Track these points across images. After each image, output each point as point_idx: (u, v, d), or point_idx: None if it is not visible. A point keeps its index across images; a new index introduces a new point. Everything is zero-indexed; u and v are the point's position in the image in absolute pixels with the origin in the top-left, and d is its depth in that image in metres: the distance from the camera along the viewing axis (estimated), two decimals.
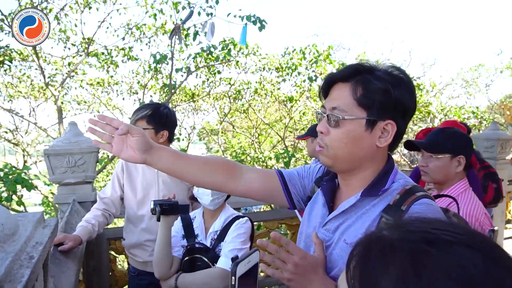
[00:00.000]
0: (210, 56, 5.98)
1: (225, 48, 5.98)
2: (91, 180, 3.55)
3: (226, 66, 7.12)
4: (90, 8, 6.20)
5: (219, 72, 7.28)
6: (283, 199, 1.39)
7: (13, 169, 5.50)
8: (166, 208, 1.84)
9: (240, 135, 11.70)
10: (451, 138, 1.91)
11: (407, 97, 1.11)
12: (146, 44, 7.73)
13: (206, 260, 1.93)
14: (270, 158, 7.20)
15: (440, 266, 0.45)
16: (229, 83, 8.14)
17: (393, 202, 1.06)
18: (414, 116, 9.03)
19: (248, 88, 8.70)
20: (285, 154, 6.45)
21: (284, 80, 7.15)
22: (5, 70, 7.17)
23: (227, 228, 1.98)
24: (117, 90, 9.24)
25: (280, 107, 9.36)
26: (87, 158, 3.49)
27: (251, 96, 9.16)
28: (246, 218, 2.07)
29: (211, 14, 5.31)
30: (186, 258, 1.96)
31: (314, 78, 6.47)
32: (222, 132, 11.86)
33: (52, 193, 7.94)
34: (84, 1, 5.66)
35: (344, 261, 0.97)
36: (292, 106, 8.19)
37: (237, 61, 6.88)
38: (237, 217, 2.04)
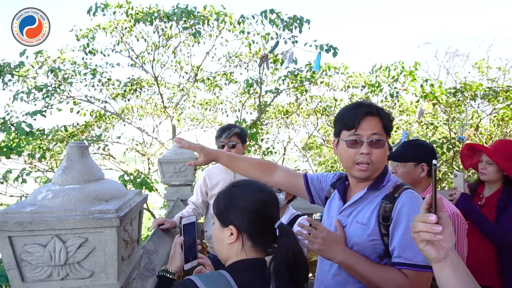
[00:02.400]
0: (296, 78, 6.64)
1: (310, 70, 6.59)
2: (191, 183, 4.52)
3: (313, 85, 7.69)
4: (198, 43, 7.50)
5: (306, 91, 7.91)
6: (305, 194, 1.98)
7: (140, 174, 6.95)
8: None
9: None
10: (414, 149, 2.23)
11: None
12: (245, 68, 8.82)
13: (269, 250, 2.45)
14: None
15: (234, 191, 1.31)
16: (320, 101, 8.66)
17: (389, 192, 1.57)
18: None
19: (339, 104, 9.07)
20: None
21: (367, 97, 7.38)
22: (136, 96, 9.02)
23: (291, 224, 2.45)
24: (221, 109, 10.60)
25: None
26: (187, 166, 4.46)
27: None
28: (305, 216, 2.58)
29: (296, 42, 6.00)
30: None
31: (395, 94, 6.60)
32: (317, 147, 12.33)
33: None
34: (195, 38, 6.92)
35: (358, 236, 1.57)
36: None
37: (322, 81, 7.41)
38: (298, 216, 2.53)
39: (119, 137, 9.79)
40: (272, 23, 5.58)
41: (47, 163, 9.14)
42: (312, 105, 9.20)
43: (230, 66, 8.55)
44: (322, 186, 1.96)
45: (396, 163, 2.26)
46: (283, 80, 7.11)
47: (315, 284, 1.79)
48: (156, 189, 8.75)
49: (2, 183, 5.85)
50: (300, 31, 5.88)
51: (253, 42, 6.77)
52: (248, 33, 6.53)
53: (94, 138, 7.40)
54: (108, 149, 8.25)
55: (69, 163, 1.37)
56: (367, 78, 7.38)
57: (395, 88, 6.61)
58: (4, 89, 6.24)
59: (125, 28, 6.86)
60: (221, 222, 1.31)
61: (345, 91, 7.96)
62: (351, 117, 1.59)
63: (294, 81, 7.00)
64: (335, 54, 4.97)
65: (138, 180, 6.68)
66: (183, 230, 1.50)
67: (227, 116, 10.70)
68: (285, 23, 5.43)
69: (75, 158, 1.38)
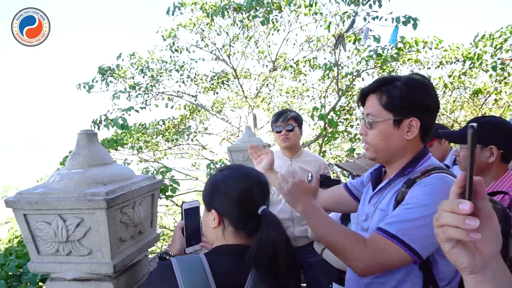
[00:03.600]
0: (379, 57, 6.09)
1: (396, 47, 5.97)
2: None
3: (402, 64, 6.95)
4: (278, 30, 7.44)
5: (394, 71, 7.19)
6: (354, 204, 1.83)
7: (224, 162, 7.32)
8: (323, 180, 2.22)
9: None
10: (480, 129, 1.75)
11: (423, 97, 1.40)
12: (329, 52, 8.45)
13: None
14: None
15: (219, 176, 1.28)
16: None
17: (413, 177, 1.37)
18: None
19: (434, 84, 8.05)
20: None
21: (464, 73, 6.32)
22: (225, 88, 9.44)
23: None
24: (308, 96, 10.39)
25: (473, 102, 8.07)
26: None
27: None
28: None
29: (376, 17, 5.50)
30: None
31: (499, 66, 5.49)
32: None
33: None
34: (273, 25, 6.88)
35: (378, 224, 1.43)
36: (486, 100, 7.05)
37: (409, 59, 6.62)
38: None
39: (206, 129, 10.39)
40: (344, 0, 5.21)
41: (153, 154, 10.26)
42: None
43: (312, 51, 8.30)
44: (362, 180, 1.82)
45: (461, 145, 1.90)
46: (366, 61, 6.60)
47: None
48: None
49: None
50: (380, 5, 5.36)
51: (331, 24, 6.43)
52: (321, 14, 6.22)
53: (185, 130, 7.99)
54: (197, 139, 8.83)
55: (76, 150, 1.48)
56: (467, 50, 6.34)
57: (499, 59, 5.53)
58: (107, 90, 7.21)
59: (206, 24, 7.21)
60: (206, 206, 1.32)
61: (440, 68, 7.00)
62: (359, 96, 1.51)
63: (378, 61, 6.44)
64: (415, 26, 4.39)
65: None
66: (184, 215, 1.51)
67: (315, 103, 10.44)
68: None
69: (82, 145, 1.49)
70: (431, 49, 6.40)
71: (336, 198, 1.87)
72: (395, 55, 5.81)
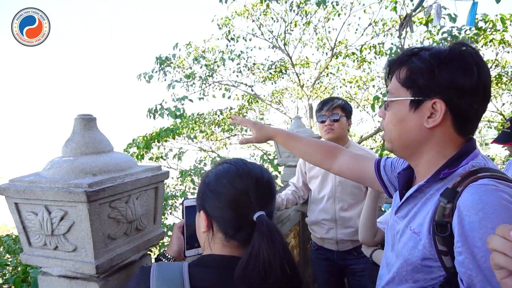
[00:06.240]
0: (455, 40, 5.33)
1: (474, 27, 5.18)
2: None
3: (486, 47, 6.02)
4: (339, 15, 6.94)
5: None
6: (376, 184, 1.51)
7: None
8: None
9: None
10: None
11: (458, 75, 1.03)
12: (398, 37, 7.71)
13: None
14: None
15: (212, 171, 1.10)
16: (496, 65, 6.76)
17: (452, 185, 1.00)
18: None
19: None
20: None
21: None
22: (282, 77, 9.16)
23: None
24: (373, 86, 9.65)
25: None
26: None
27: None
28: None
29: None
30: None
31: None
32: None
33: None
34: (333, 9, 6.41)
35: (409, 252, 1.15)
36: None
37: (491, 40, 5.69)
38: None
39: (262, 119, 10.20)
40: None
41: (213, 143, 10.40)
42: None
43: (377, 35, 7.64)
44: (395, 174, 1.43)
45: None
46: (439, 44, 5.82)
47: None
48: None
49: (164, 159, 6.94)
50: None
51: (397, 3, 5.78)
52: None
53: None
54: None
55: (71, 136, 1.36)
56: None
57: None
58: (165, 80, 7.39)
59: (263, 11, 6.97)
60: (197, 206, 1.14)
61: None
62: (385, 73, 1.22)
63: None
64: None
65: (276, 161, 6.84)
66: (185, 212, 1.31)
67: (381, 93, 9.68)
68: None
69: (77, 131, 1.36)
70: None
71: (359, 169, 1.53)
72: (474, 36, 5.02)
